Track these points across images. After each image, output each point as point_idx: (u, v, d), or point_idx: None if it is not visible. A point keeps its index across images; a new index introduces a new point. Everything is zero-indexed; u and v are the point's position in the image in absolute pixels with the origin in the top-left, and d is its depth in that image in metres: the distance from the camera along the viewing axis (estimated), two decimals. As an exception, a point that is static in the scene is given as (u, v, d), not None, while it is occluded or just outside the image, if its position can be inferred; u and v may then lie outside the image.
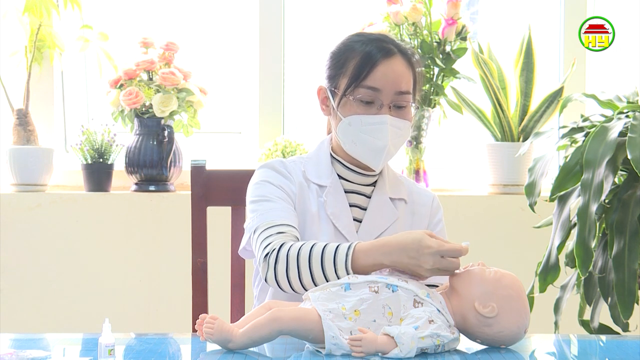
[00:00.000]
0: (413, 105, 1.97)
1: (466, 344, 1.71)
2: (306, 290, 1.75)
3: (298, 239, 1.88)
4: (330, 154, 2.02)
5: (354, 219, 1.99)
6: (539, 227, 2.68)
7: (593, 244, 2.29)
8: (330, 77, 1.99)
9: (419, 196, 2.07)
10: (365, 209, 2.00)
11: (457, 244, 1.72)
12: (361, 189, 2.01)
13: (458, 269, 1.72)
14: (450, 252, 1.71)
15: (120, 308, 3.15)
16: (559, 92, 3.21)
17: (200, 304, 2.22)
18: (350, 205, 1.99)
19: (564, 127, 2.56)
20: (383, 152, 1.94)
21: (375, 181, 2.03)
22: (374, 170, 1.99)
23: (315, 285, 1.76)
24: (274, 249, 1.82)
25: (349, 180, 2.01)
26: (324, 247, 1.79)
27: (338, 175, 2.01)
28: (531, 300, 2.43)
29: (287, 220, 1.90)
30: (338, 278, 1.74)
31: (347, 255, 1.77)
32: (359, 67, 1.93)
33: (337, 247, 1.79)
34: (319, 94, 2.03)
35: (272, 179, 1.99)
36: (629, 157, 2.26)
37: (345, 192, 2.00)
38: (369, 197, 2.01)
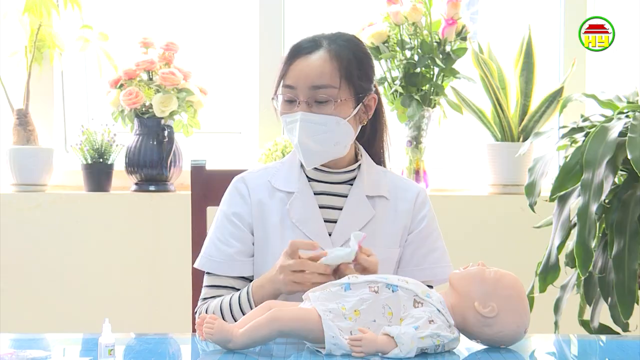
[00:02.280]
0: (341, 99, 1.89)
1: (466, 344, 1.71)
2: None
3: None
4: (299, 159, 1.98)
5: (329, 221, 1.94)
6: (539, 227, 2.68)
7: (593, 244, 2.29)
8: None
9: (403, 192, 2.00)
10: (341, 209, 1.95)
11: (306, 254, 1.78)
12: (335, 188, 1.96)
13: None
14: (306, 266, 1.77)
15: (120, 308, 3.15)
16: (559, 92, 3.21)
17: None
18: (324, 207, 1.95)
19: (564, 127, 2.56)
20: (299, 149, 1.92)
21: (354, 178, 1.98)
22: (339, 168, 1.96)
23: None
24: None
25: (320, 181, 1.97)
26: (230, 298, 1.88)
27: (309, 177, 1.97)
28: (531, 300, 2.43)
29: (224, 277, 1.94)
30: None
31: (248, 296, 1.84)
32: (282, 67, 1.94)
33: (239, 294, 1.88)
34: None
35: (231, 207, 1.98)
36: (629, 157, 2.26)
37: (317, 194, 1.96)
38: (345, 196, 1.96)
